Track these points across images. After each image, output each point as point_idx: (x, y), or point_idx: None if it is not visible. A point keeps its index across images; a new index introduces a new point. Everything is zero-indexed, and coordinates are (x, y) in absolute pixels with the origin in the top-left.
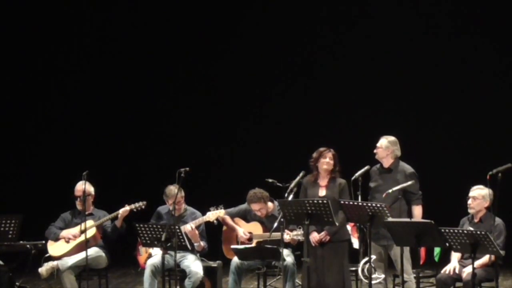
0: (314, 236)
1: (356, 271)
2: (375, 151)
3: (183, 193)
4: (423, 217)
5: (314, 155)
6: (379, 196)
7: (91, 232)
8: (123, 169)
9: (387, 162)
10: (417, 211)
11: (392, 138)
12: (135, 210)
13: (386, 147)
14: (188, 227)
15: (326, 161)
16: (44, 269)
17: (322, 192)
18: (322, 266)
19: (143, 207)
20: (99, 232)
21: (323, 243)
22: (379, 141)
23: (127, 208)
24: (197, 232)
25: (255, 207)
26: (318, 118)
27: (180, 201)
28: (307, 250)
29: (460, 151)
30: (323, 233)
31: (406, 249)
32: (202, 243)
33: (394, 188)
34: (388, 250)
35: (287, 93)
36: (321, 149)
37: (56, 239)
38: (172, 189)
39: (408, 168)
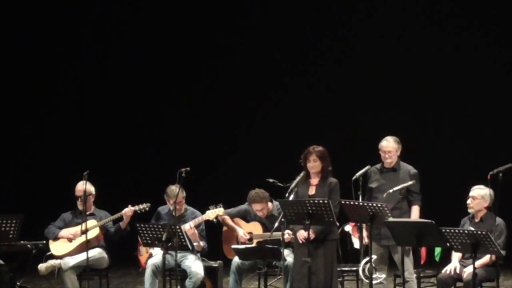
0: (301, 233)
1: (357, 271)
2: (386, 155)
3: (184, 193)
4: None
5: (302, 156)
6: (380, 196)
7: (95, 232)
8: (124, 169)
9: (392, 162)
10: (416, 211)
11: (394, 137)
12: (139, 211)
13: (397, 148)
14: (187, 226)
15: (311, 165)
16: (44, 266)
17: (312, 191)
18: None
19: (147, 209)
20: (102, 232)
21: (311, 242)
22: (386, 144)
23: (131, 208)
24: (196, 231)
25: (257, 207)
26: (318, 118)
27: (181, 201)
28: (296, 249)
29: (460, 151)
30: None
31: (409, 249)
32: (202, 243)
33: (395, 188)
34: (392, 253)
35: (287, 93)
36: (306, 150)
37: (55, 238)
38: (174, 189)
39: (412, 168)
